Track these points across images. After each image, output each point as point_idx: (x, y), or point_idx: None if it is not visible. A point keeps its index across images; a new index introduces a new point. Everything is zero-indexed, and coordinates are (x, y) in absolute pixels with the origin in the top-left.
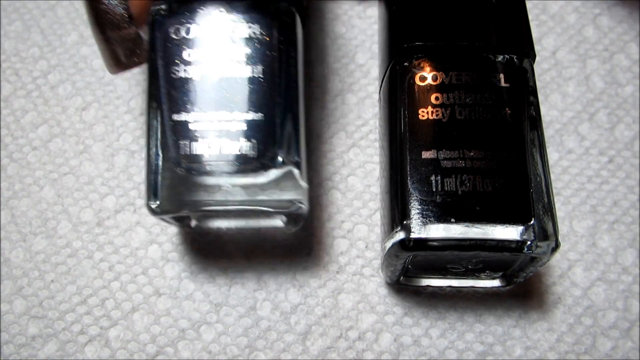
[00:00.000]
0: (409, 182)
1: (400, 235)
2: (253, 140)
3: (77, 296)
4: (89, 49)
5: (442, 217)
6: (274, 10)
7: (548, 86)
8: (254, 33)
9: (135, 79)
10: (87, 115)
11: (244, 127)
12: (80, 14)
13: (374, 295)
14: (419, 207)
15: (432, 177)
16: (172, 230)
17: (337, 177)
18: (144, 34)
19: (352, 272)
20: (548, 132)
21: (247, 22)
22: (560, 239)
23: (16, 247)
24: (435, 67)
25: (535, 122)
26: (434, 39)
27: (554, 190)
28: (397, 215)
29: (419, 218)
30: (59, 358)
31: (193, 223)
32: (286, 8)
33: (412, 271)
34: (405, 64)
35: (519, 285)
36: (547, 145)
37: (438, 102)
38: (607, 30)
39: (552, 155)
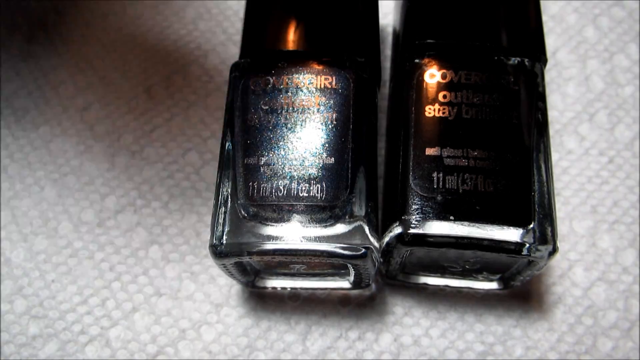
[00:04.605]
0: (411, 178)
1: (399, 229)
2: (323, 184)
3: (77, 296)
4: (90, 48)
5: (442, 214)
6: (350, 65)
7: (548, 86)
8: (330, 84)
9: (136, 79)
10: (88, 116)
11: (315, 170)
12: (81, 14)
13: (374, 295)
14: (419, 203)
15: (434, 174)
16: (173, 231)
17: None
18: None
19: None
20: None
21: (324, 74)
22: (560, 239)
23: (17, 247)
24: (445, 66)
25: (542, 127)
26: (446, 38)
27: (554, 191)
28: (396, 209)
29: (418, 214)
30: (59, 358)
31: (257, 281)
32: (362, 64)
33: (409, 268)
34: (416, 60)
35: (519, 285)
36: None
37: (445, 100)
38: (607, 30)
39: (552, 155)
